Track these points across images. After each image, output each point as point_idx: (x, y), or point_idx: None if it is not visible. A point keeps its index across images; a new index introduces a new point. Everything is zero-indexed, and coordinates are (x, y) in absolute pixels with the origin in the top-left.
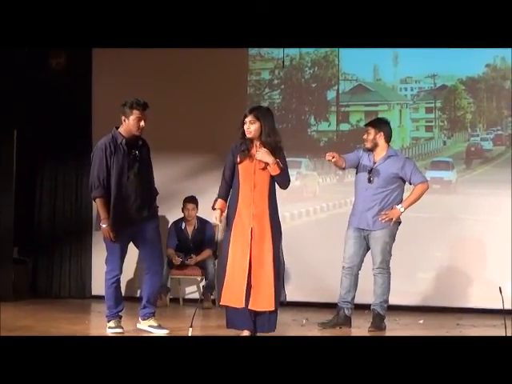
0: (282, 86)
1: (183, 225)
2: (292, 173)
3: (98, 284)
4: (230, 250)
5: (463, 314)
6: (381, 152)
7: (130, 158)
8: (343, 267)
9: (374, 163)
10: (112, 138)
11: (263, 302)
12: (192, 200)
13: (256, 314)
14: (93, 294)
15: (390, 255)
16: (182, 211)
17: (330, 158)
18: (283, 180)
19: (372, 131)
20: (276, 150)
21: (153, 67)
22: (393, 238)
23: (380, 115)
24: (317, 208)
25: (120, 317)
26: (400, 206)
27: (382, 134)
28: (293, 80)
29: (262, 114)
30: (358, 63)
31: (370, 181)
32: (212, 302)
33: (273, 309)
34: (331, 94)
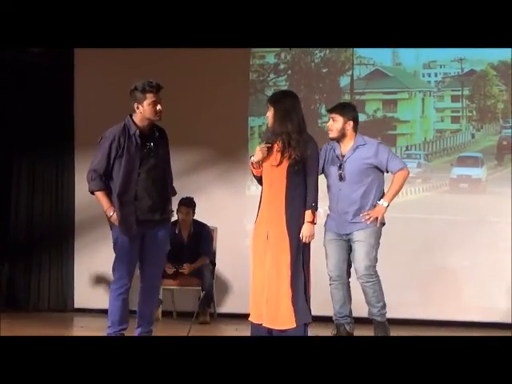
0: (289, 72)
1: (177, 229)
2: None
3: (81, 295)
4: (251, 255)
5: (490, 329)
6: (348, 142)
7: (144, 153)
8: (330, 278)
9: (343, 157)
10: (124, 128)
11: (280, 318)
12: (188, 203)
13: (281, 331)
14: (75, 306)
15: (376, 260)
16: (176, 214)
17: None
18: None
19: (339, 119)
20: (291, 143)
21: (142, 55)
22: (378, 239)
23: (400, 104)
24: (327, 209)
25: (122, 335)
26: (382, 200)
27: (351, 122)
28: (301, 64)
29: (277, 97)
30: None
31: (341, 178)
32: (210, 315)
33: (293, 326)
34: (345, 81)
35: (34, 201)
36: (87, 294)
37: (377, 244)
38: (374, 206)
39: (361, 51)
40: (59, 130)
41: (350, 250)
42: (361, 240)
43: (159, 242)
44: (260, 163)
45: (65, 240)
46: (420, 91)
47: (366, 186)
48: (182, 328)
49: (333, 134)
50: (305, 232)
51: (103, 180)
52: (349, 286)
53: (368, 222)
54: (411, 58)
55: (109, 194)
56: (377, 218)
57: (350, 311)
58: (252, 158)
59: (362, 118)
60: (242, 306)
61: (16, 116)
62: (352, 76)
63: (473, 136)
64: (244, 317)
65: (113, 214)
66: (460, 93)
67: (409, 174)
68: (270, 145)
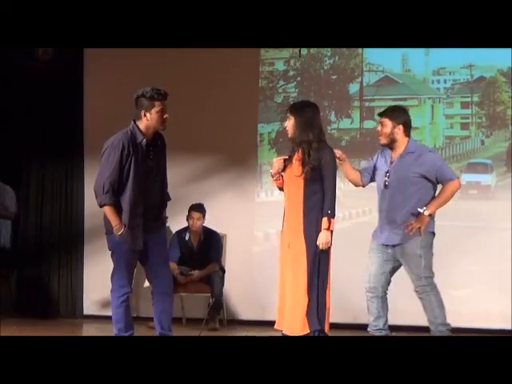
0: (299, 78)
1: (187, 235)
2: None
3: (91, 302)
4: (278, 264)
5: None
6: (399, 148)
7: (149, 162)
8: (365, 289)
9: (391, 163)
10: (131, 136)
11: (295, 325)
12: (198, 208)
13: None
14: (85, 313)
15: (431, 270)
16: (187, 220)
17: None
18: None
19: (388, 123)
20: (310, 152)
21: (152, 60)
22: (427, 249)
23: (409, 110)
24: (339, 216)
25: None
26: (424, 208)
27: (401, 126)
28: (310, 71)
29: (298, 107)
30: (385, 52)
31: (385, 186)
32: (219, 322)
33: (306, 332)
34: (354, 87)
35: (44, 207)
36: (96, 300)
37: (426, 254)
38: (417, 216)
39: (370, 58)
40: (69, 137)
41: (394, 262)
42: (406, 253)
43: (159, 248)
44: (279, 174)
45: (74, 246)
46: (429, 98)
47: (411, 196)
48: (191, 335)
49: (382, 140)
50: (321, 239)
51: (114, 193)
52: (385, 299)
53: (411, 233)
54: (420, 64)
55: (118, 210)
56: (419, 228)
57: (385, 323)
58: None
59: (371, 124)
60: (251, 313)
61: (25, 123)
62: (361, 83)
63: (482, 142)
64: (253, 323)
65: (123, 232)
66: (469, 99)
67: (460, 185)
68: (286, 156)
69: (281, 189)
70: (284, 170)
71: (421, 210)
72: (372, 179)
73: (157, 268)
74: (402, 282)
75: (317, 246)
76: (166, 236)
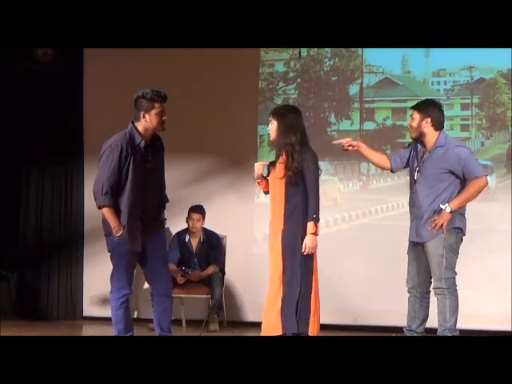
0: (298, 80)
1: (187, 237)
2: None
3: (90, 304)
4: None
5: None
6: (429, 143)
7: (147, 164)
8: (407, 289)
9: (421, 158)
10: (129, 138)
11: (269, 329)
12: (198, 210)
13: None
14: (84, 315)
15: (453, 271)
16: (187, 221)
17: (347, 146)
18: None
19: (417, 116)
20: (294, 155)
21: (152, 60)
22: (450, 249)
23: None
24: (337, 218)
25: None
26: (446, 205)
27: (430, 119)
28: (310, 73)
29: (281, 111)
30: (385, 54)
31: (415, 181)
32: (219, 323)
33: (279, 334)
34: (354, 89)
35: (43, 209)
36: (96, 302)
37: (448, 253)
38: (439, 212)
39: (370, 59)
40: (68, 139)
41: (427, 260)
42: (430, 251)
43: (157, 249)
44: (262, 177)
45: (74, 248)
46: None
47: (438, 192)
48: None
49: (412, 134)
50: (308, 243)
51: (113, 195)
52: (423, 300)
53: (434, 231)
54: (420, 66)
55: (116, 211)
56: (442, 225)
57: (419, 326)
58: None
59: (371, 126)
60: (251, 315)
61: (25, 125)
62: (361, 84)
63: (482, 144)
64: (253, 325)
65: (121, 234)
66: (469, 101)
67: (486, 183)
68: (266, 162)
69: (266, 192)
70: (268, 173)
71: (443, 207)
72: (404, 166)
73: (156, 269)
74: None
75: (295, 250)
76: (164, 237)
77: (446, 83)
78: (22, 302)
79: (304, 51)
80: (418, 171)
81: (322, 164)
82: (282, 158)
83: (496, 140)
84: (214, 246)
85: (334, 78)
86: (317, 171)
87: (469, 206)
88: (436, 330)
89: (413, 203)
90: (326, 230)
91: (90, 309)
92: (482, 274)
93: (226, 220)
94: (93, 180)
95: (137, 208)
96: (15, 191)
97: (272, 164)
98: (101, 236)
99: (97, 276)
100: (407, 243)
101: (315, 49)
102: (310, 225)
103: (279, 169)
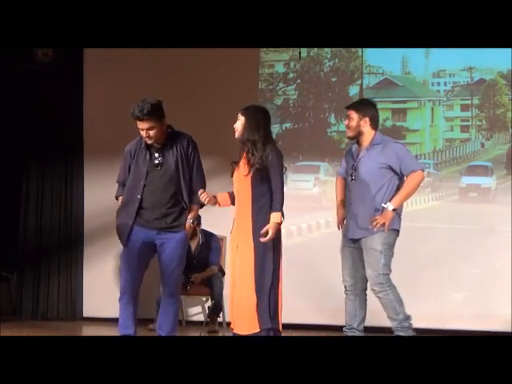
0: (298, 81)
1: None
2: (309, 178)
3: (90, 304)
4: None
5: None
6: (366, 141)
7: (151, 165)
8: (344, 287)
9: (357, 157)
10: (139, 141)
11: (245, 325)
12: None
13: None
14: (84, 315)
15: (387, 268)
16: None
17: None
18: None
19: (355, 116)
20: (254, 152)
21: (152, 61)
22: (388, 246)
23: (409, 113)
24: (329, 221)
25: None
26: (388, 204)
27: (368, 118)
28: (310, 73)
29: (251, 109)
30: (385, 54)
31: (352, 179)
32: (219, 324)
33: (256, 331)
34: (354, 90)
35: (43, 209)
36: (96, 302)
37: (387, 251)
38: (381, 211)
39: (370, 60)
40: (68, 139)
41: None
42: (367, 247)
43: (170, 249)
44: (213, 199)
45: (74, 249)
46: (429, 100)
47: (376, 188)
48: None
49: (348, 133)
50: (269, 228)
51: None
52: (363, 298)
53: (375, 229)
54: (420, 67)
55: None
56: (384, 224)
57: (360, 323)
58: None
59: None
60: None
61: (25, 125)
62: (361, 85)
63: (482, 145)
64: None
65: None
66: (469, 102)
67: (423, 177)
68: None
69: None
70: (232, 173)
71: (385, 206)
72: None
73: (163, 269)
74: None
75: (266, 247)
76: (181, 238)
77: (446, 84)
78: (21, 302)
79: (304, 52)
80: (355, 169)
81: (322, 165)
82: (245, 155)
83: (496, 141)
84: (213, 247)
85: (333, 79)
86: (281, 167)
87: (469, 206)
88: (426, 329)
89: (350, 201)
90: (327, 230)
91: (89, 309)
92: (483, 274)
93: (224, 221)
94: (93, 179)
95: (129, 204)
96: (15, 191)
97: (235, 163)
98: (100, 236)
99: (96, 276)
100: (407, 243)
101: (315, 50)
102: (274, 214)
103: (243, 166)
